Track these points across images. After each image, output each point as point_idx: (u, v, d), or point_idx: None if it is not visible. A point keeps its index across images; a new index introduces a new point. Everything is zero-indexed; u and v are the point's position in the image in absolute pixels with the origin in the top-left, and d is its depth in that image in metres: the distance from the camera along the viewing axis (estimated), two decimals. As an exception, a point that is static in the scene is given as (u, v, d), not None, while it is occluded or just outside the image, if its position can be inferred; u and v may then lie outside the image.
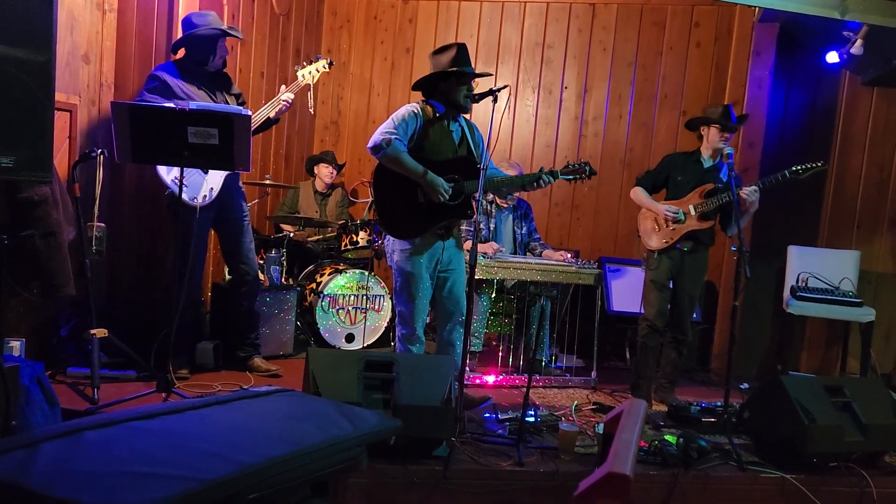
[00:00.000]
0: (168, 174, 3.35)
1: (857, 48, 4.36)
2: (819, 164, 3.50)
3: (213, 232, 3.78)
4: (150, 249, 3.96)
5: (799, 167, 3.52)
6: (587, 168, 3.21)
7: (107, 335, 3.16)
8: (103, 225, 3.45)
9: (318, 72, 3.69)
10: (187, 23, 3.43)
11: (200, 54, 3.45)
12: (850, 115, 4.96)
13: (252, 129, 3.59)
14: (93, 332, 3.11)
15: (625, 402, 1.57)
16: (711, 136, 3.69)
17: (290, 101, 3.61)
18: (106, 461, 1.41)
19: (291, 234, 4.67)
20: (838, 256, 4.78)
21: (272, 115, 3.63)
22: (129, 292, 3.96)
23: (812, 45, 4.87)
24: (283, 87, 3.64)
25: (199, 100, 3.40)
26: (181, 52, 3.54)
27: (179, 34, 3.58)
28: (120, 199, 3.90)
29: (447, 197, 3.10)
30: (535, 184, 3.18)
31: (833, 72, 4.92)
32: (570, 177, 3.22)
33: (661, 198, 3.87)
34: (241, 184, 3.69)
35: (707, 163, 3.76)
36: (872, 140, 4.93)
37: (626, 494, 1.20)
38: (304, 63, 3.70)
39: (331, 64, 3.74)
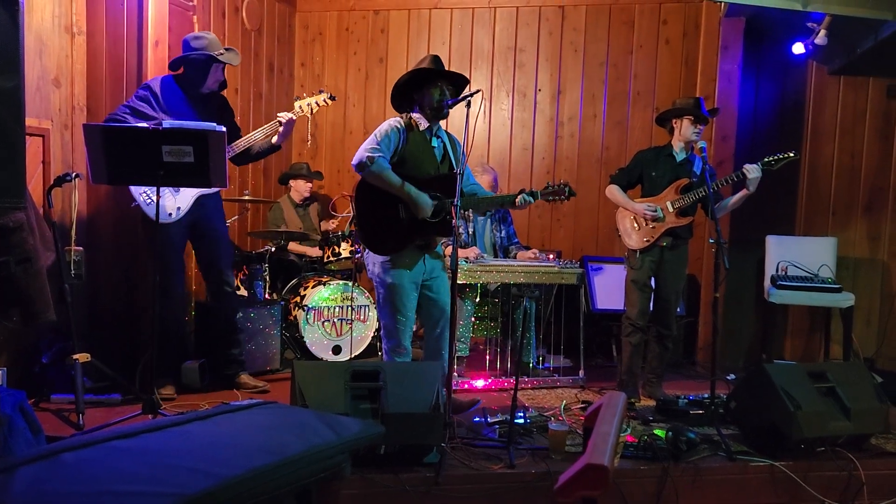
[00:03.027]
0: (137, 188, 3.33)
1: (821, 38, 4.43)
2: (790, 155, 3.55)
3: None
4: (130, 271, 3.94)
5: (771, 158, 3.56)
6: (567, 189, 3.19)
7: (90, 359, 3.13)
8: (81, 249, 3.43)
9: (318, 105, 3.55)
10: (185, 44, 3.46)
11: (192, 77, 3.47)
12: (819, 105, 5.04)
13: (253, 153, 3.59)
14: (75, 357, 3.09)
15: (604, 396, 1.58)
16: (684, 128, 3.71)
17: (287, 120, 3.52)
18: (84, 481, 1.39)
19: (273, 249, 4.64)
20: (816, 244, 4.84)
21: (275, 140, 3.59)
22: (111, 315, 3.93)
23: (778, 37, 4.95)
24: (280, 113, 3.55)
25: (186, 118, 3.35)
26: (182, 69, 3.54)
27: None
28: (97, 222, 3.88)
29: (429, 215, 3.12)
30: (514, 204, 3.19)
31: (800, 63, 5.00)
32: (550, 198, 3.23)
33: (637, 194, 3.90)
34: (219, 199, 3.65)
35: (679, 156, 3.78)
36: (842, 128, 5.02)
37: (605, 485, 1.21)
38: (304, 94, 3.60)
39: (332, 98, 3.57)
